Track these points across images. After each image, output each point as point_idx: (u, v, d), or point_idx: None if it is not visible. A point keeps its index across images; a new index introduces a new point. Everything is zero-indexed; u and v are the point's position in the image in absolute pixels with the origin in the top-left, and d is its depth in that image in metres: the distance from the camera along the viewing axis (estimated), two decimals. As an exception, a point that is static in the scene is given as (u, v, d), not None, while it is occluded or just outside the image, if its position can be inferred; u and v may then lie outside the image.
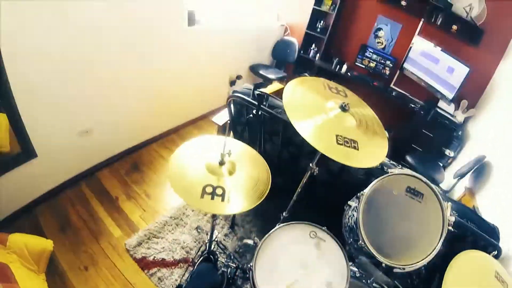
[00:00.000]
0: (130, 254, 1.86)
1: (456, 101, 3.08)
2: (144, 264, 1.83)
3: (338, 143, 1.05)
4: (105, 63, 2.04)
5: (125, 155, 2.63)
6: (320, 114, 1.13)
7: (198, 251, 1.66)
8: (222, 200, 1.06)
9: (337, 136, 1.07)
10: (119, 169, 2.49)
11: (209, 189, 1.07)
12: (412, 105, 3.43)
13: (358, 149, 1.08)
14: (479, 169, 2.39)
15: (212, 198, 1.06)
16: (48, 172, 2.03)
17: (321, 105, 1.16)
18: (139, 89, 2.44)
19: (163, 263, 1.84)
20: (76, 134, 2.09)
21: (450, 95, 3.02)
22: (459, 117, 3.12)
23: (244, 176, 1.17)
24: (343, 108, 1.14)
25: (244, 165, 1.21)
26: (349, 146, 1.06)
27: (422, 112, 3.27)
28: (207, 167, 1.15)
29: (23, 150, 1.76)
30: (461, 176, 2.39)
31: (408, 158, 2.91)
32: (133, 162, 2.61)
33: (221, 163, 1.15)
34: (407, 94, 3.61)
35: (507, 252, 1.48)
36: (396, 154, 2.86)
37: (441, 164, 3.01)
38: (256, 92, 1.47)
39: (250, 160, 1.25)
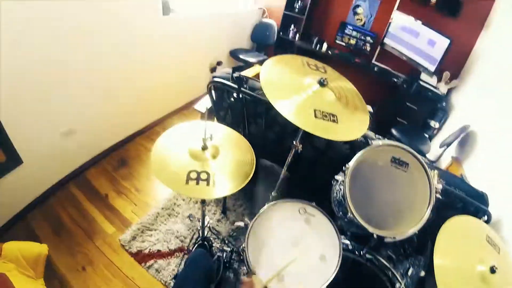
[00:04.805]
0: (126, 249, 1.86)
1: (439, 73, 3.10)
2: (141, 257, 1.83)
3: (317, 117, 1.04)
4: (84, 62, 1.99)
5: (111, 151, 2.59)
6: (298, 90, 1.11)
7: (192, 239, 1.66)
8: (208, 184, 1.05)
9: (315, 110, 1.05)
10: (106, 166, 2.46)
11: (193, 175, 1.06)
12: (395, 79, 3.45)
13: (337, 123, 1.07)
14: (464, 138, 2.41)
15: (197, 183, 1.04)
16: (36, 177, 1.99)
17: (299, 82, 1.15)
18: (119, 84, 2.38)
19: (159, 255, 1.85)
20: (59, 136, 2.03)
21: (432, 68, 3.04)
22: (442, 88, 3.16)
23: (228, 159, 1.16)
24: (321, 83, 1.12)
25: (227, 148, 1.20)
26: (328, 120, 1.06)
27: (405, 86, 3.30)
28: (190, 153, 1.13)
29: (8, 158, 1.70)
30: (447, 145, 2.40)
31: (394, 131, 2.92)
32: (120, 158, 2.57)
33: (204, 148, 1.14)
34: (389, 69, 3.62)
35: (497, 217, 1.48)
36: (382, 128, 2.90)
37: (427, 136, 3.05)
38: (235, 75, 1.44)
39: (233, 143, 1.24)
